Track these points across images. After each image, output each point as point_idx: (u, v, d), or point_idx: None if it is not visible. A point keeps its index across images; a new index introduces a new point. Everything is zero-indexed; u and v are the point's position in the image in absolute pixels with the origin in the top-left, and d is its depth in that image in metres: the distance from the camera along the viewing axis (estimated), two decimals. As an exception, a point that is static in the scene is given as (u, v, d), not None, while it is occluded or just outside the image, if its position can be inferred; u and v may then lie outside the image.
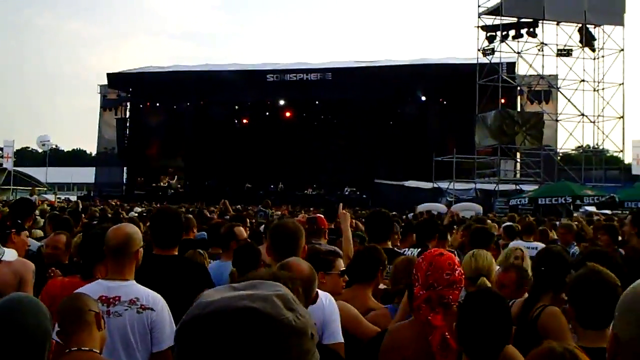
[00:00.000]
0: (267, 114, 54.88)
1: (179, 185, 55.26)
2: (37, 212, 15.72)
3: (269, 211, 22.16)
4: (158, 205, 32.16)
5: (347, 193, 49.94)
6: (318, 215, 8.06)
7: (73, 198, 47.07)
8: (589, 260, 4.77)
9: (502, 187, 40.15)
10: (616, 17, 42.83)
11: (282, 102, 53.61)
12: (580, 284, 3.80)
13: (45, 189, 60.72)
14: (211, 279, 5.57)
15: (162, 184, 55.82)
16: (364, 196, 46.79)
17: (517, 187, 39.95)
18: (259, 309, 1.34)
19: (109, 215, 16.45)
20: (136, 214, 19.31)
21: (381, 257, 5.60)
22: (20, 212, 8.47)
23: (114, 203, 32.41)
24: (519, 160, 45.54)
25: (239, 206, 28.10)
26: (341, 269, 5.08)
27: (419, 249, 7.13)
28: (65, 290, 4.92)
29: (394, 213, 16.88)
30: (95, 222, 12.39)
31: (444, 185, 40.83)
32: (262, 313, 1.34)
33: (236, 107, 56.23)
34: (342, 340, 4.27)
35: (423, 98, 49.54)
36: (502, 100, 41.51)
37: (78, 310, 3.74)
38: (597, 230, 11.10)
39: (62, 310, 3.76)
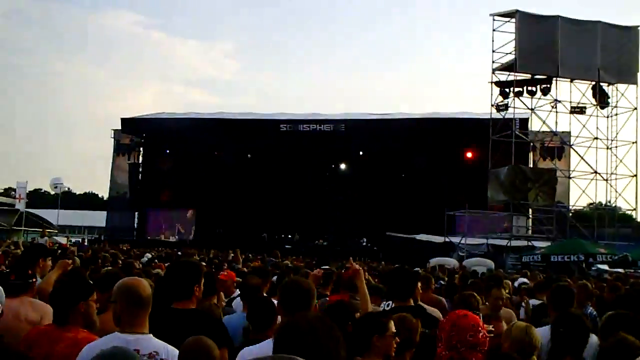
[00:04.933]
0: (280, 163, 54.75)
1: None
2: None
3: (278, 261, 22.04)
4: (168, 250, 32.16)
5: (363, 244, 49.95)
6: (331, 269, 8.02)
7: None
8: (614, 325, 4.72)
9: (514, 243, 39.94)
10: (630, 76, 42.99)
11: (295, 153, 53.46)
12: (610, 355, 3.73)
13: (56, 231, 60.82)
14: (228, 334, 5.44)
15: (162, 237, 56.23)
16: (375, 248, 46.68)
17: (529, 244, 39.77)
18: None
19: (119, 262, 16.37)
20: (146, 260, 19.26)
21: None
22: (32, 257, 8.42)
23: (124, 248, 32.32)
24: (531, 216, 45.36)
25: (249, 255, 28.02)
26: (393, 331, 4.88)
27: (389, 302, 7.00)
28: (42, 337, 4.93)
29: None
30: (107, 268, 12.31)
31: (455, 239, 40.66)
32: None
33: (249, 155, 56.33)
34: None
35: (435, 152, 49.54)
36: (515, 156, 41.36)
37: None
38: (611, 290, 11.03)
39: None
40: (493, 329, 5.20)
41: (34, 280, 6.77)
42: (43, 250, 9.56)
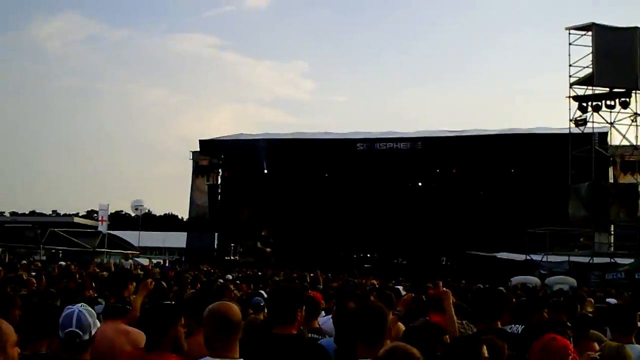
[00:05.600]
0: (357, 182, 54.73)
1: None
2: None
3: (357, 281, 22.00)
4: (249, 272, 32.30)
5: (443, 263, 49.59)
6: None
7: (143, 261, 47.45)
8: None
9: (597, 260, 39.17)
10: None
11: (371, 171, 53.33)
12: None
13: (137, 252, 61.67)
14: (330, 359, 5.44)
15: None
16: (455, 267, 46.31)
17: (612, 260, 38.95)
18: None
19: (200, 283, 16.59)
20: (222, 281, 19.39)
21: None
22: (119, 283, 8.55)
23: (204, 269, 32.63)
24: (613, 232, 44.49)
25: (329, 275, 28.03)
26: (486, 356, 4.69)
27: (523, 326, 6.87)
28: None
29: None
30: (193, 291, 12.46)
31: (537, 257, 40.05)
32: None
33: (326, 175, 56.53)
34: None
35: (514, 168, 49.01)
36: (595, 172, 40.71)
37: None
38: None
39: None
40: (598, 357, 5.08)
41: (129, 307, 6.94)
42: (131, 275, 9.76)
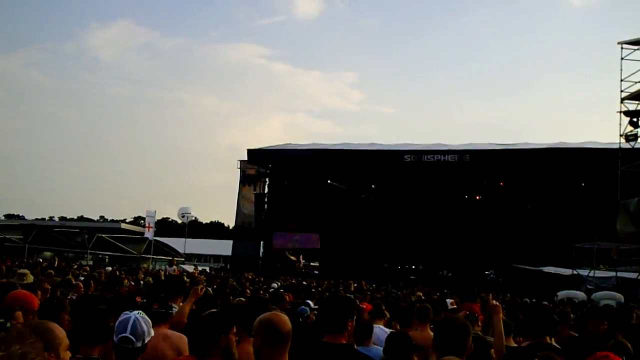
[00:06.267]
0: (404, 194, 54.59)
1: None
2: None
3: (401, 294, 21.95)
4: (293, 280, 32.38)
5: (491, 276, 49.34)
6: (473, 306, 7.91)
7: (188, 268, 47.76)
8: None
9: (645, 276, 38.72)
10: None
11: (419, 183, 53.18)
12: None
13: (183, 259, 62.17)
14: None
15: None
16: (500, 280, 46.02)
17: (661, 277, 38.47)
18: None
19: (248, 292, 16.65)
20: (271, 290, 19.47)
21: None
22: (172, 292, 8.62)
23: (249, 277, 32.77)
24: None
25: (373, 285, 27.99)
26: None
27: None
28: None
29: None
30: (239, 299, 12.51)
31: (584, 272, 39.65)
32: None
33: (373, 186, 56.47)
34: None
35: (562, 182, 48.54)
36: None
37: None
38: None
39: None
40: None
41: (172, 311, 7.00)
42: (183, 283, 9.86)
